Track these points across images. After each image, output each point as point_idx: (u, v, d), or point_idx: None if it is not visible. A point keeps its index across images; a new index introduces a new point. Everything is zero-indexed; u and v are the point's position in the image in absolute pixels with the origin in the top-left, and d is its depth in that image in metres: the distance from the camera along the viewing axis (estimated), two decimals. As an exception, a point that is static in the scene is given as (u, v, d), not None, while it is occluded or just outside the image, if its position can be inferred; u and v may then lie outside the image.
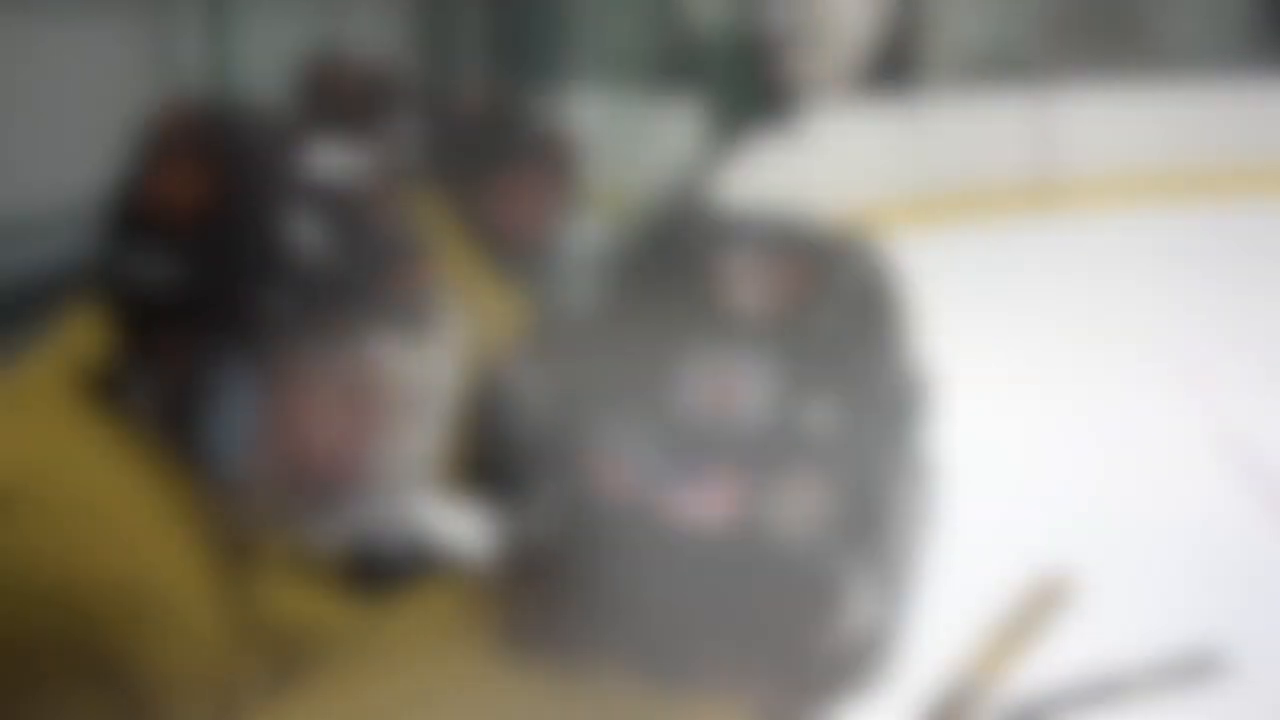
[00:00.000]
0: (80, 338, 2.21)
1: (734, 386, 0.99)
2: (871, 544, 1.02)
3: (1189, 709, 2.28)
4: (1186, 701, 2.18)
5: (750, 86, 12.22)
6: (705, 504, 0.99)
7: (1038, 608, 2.13)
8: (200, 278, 1.47)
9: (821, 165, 12.02)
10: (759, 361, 1.00)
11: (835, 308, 1.03)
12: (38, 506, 1.41)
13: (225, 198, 1.48)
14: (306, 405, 1.50)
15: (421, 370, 1.56)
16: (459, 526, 2.69)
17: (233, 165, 1.50)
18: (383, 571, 2.45)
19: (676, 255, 1.05)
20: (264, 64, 4.69)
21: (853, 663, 1.06)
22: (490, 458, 2.94)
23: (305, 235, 1.48)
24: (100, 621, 1.36)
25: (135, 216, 1.51)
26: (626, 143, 8.31)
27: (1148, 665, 2.17)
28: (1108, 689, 2.11)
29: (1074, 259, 11.67)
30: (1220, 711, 3.68)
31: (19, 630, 1.37)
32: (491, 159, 2.98)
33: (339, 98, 3.56)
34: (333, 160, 1.54)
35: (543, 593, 1.04)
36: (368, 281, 1.49)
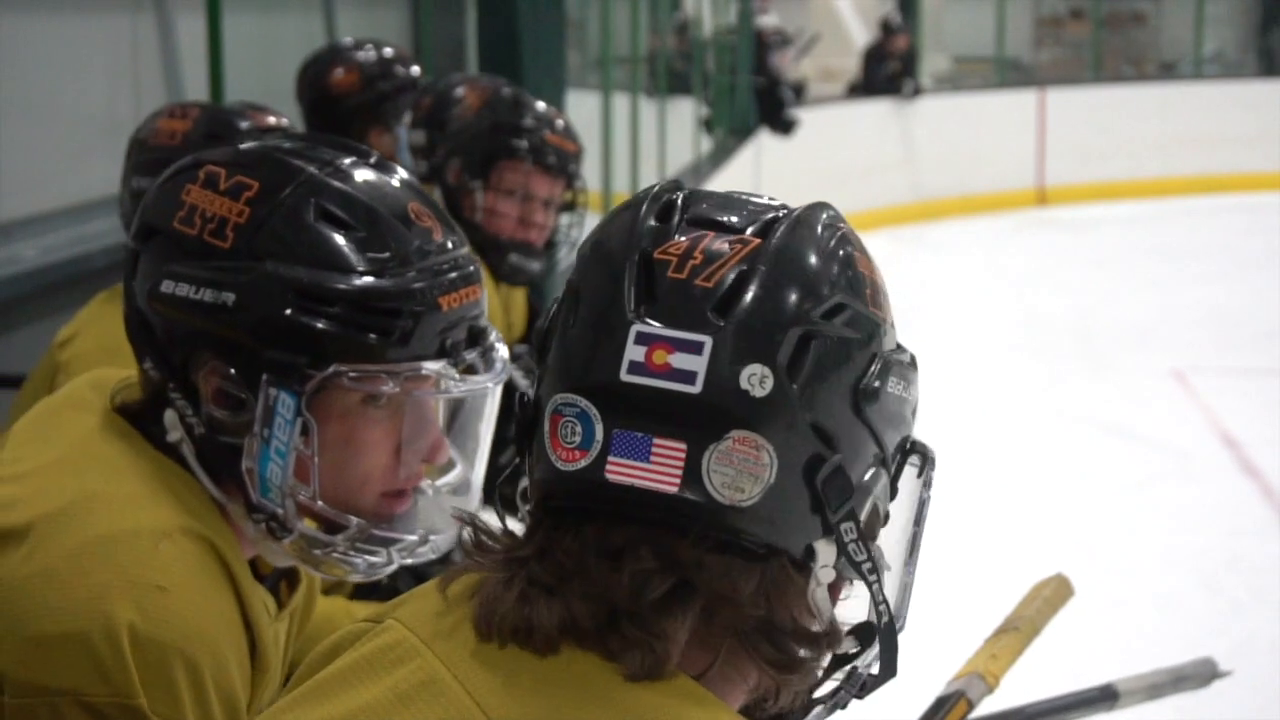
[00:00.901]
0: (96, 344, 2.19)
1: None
2: None
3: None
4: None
5: (749, 86, 12.22)
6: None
7: (1041, 606, 2.13)
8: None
9: (820, 163, 12.03)
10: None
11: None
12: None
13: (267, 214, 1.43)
14: (356, 429, 1.45)
15: (470, 393, 1.50)
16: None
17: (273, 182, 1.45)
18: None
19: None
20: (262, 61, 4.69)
21: None
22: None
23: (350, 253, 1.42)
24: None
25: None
26: (625, 141, 8.31)
27: (1151, 672, 2.16)
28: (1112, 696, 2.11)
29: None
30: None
31: None
32: (492, 159, 2.97)
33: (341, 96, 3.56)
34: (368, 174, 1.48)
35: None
36: (417, 303, 1.43)
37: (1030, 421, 7.28)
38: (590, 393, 1.03)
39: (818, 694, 1.13)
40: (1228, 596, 5.14)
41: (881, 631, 1.10)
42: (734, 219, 1.07)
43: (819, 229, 1.08)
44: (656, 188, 1.11)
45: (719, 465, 1.01)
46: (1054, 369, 8.31)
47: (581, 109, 6.96)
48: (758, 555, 1.03)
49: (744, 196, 1.11)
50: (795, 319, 1.03)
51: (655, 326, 1.02)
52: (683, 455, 1.01)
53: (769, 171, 11.53)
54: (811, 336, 1.03)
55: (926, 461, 1.13)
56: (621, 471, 1.02)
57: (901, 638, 1.15)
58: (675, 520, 1.02)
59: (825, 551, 1.04)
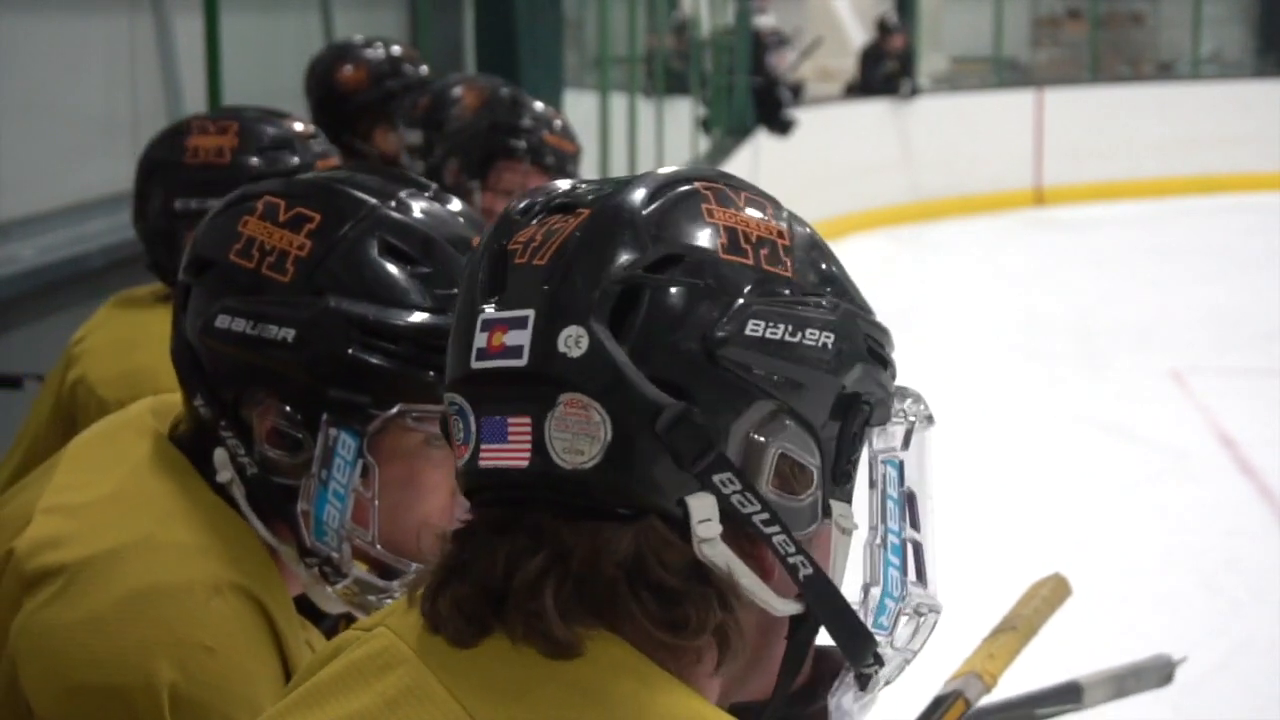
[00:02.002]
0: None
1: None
2: None
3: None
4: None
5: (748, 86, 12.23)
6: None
7: (1039, 605, 2.13)
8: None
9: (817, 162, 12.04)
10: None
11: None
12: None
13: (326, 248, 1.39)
14: (417, 471, 1.41)
15: None
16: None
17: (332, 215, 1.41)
18: None
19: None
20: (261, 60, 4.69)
21: None
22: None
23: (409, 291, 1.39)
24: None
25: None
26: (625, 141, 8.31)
27: (1112, 668, 2.17)
28: (1075, 692, 2.12)
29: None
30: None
31: None
32: (490, 159, 2.97)
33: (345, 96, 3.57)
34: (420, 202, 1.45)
35: None
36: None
37: (1029, 421, 7.28)
38: (458, 387, 1.05)
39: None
40: (1227, 596, 5.14)
41: (806, 586, 1.05)
42: (586, 196, 1.07)
43: (656, 186, 1.07)
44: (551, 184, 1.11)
45: (557, 432, 1.01)
46: (1053, 369, 8.31)
47: (579, 109, 6.97)
48: (626, 517, 1.02)
49: (622, 178, 1.10)
50: (610, 275, 1.02)
51: (495, 311, 1.04)
52: (529, 429, 1.02)
53: (767, 172, 11.53)
54: (639, 289, 1.02)
55: (872, 411, 1.07)
56: (489, 456, 1.03)
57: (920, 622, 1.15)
58: (541, 495, 1.02)
59: (700, 506, 1.02)
